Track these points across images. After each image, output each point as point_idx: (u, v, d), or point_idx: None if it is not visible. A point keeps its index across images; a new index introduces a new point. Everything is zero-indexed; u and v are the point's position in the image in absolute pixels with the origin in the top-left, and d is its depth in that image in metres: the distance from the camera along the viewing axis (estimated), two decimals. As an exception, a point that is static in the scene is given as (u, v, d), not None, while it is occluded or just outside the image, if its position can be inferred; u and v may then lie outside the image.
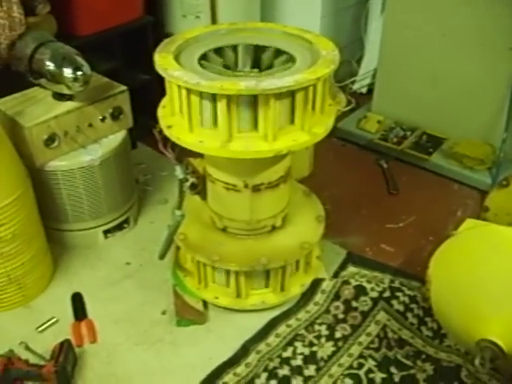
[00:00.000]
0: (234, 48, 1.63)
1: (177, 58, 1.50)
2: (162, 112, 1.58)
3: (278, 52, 1.59)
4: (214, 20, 2.51)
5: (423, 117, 2.58)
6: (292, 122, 1.46)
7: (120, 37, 2.34)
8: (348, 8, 2.97)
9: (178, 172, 1.59)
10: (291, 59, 1.54)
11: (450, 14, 2.33)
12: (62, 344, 1.62)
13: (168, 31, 2.56)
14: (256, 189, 1.62)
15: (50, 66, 1.79)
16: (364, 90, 3.01)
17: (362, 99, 2.91)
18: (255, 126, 1.43)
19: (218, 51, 1.61)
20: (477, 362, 1.42)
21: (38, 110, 1.85)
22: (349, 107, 2.71)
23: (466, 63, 2.37)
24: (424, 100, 2.55)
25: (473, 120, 2.44)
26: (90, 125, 1.91)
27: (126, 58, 2.43)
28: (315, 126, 1.49)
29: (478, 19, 2.26)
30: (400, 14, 2.49)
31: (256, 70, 1.61)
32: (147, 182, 2.39)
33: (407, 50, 2.52)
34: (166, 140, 1.56)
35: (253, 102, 1.39)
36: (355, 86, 3.02)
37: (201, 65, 1.51)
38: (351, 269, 1.95)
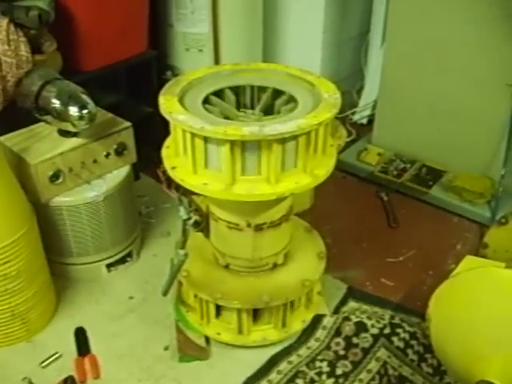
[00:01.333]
0: (238, 89, 1.67)
1: (181, 100, 1.53)
2: (166, 152, 1.61)
3: (281, 93, 1.62)
4: (216, 53, 2.55)
5: (423, 149, 2.61)
6: (294, 164, 1.49)
7: (124, 71, 2.39)
8: (349, 40, 3.02)
9: (182, 213, 1.61)
10: (293, 101, 1.57)
11: (449, 49, 2.37)
12: (65, 381, 1.65)
13: (171, 64, 2.61)
14: (258, 228, 1.64)
15: (56, 103, 1.81)
16: (364, 121, 3.04)
17: (362, 130, 2.95)
18: (258, 169, 1.46)
19: (222, 92, 1.64)
20: (476, 403, 1.43)
21: (43, 146, 1.87)
22: (349, 138, 2.75)
23: (465, 97, 2.41)
24: (423, 132, 2.58)
25: (472, 153, 2.47)
26: (95, 161, 1.93)
27: (130, 91, 2.47)
28: (317, 168, 1.52)
29: (478, 55, 2.30)
30: (400, 46, 2.53)
31: (258, 111, 1.64)
32: (150, 214, 2.41)
33: (407, 82, 2.56)
34: (169, 180, 1.59)
35: (256, 146, 1.42)
36: (356, 117, 3.06)
37: (205, 106, 1.54)
38: (352, 304, 1.97)
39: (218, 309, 1.80)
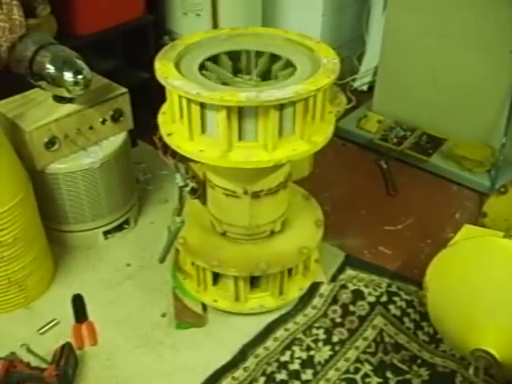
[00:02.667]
0: (235, 54, 1.63)
1: (177, 65, 1.50)
2: (162, 118, 1.58)
3: (279, 59, 1.59)
4: (214, 18, 2.50)
5: (423, 117, 2.58)
6: (292, 131, 1.47)
7: (121, 36, 2.35)
8: (350, 5, 2.96)
9: (179, 180, 1.60)
10: (292, 67, 1.54)
11: (451, 15, 2.33)
12: (63, 347, 1.64)
13: (169, 28, 2.57)
14: (256, 195, 1.63)
15: (51, 69, 1.79)
16: (365, 88, 3.00)
17: (362, 97, 2.91)
18: (255, 135, 1.44)
19: (219, 57, 1.61)
20: (471, 371, 1.44)
21: (38, 112, 1.85)
22: (349, 105, 2.71)
23: (467, 65, 2.37)
24: (424, 100, 2.55)
25: (473, 121, 2.44)
26: (91, 127, 1.91)
27: (127, 57, 2.43)
28: (315, 135, 1.50)
29: (480, 22, 2.26)
30: (401, 13, 2.49)
31: (256, 76, 1.61)
32: (147, 181, 2.39)
33: (408, 49, 2.52)
34: (166, 147, 1.57)
35: (253, 112, 1.40)
36: (356, 84, 3.02)
37: (201, 71, 1.51)
38: (349, 272, 1.97)
39: (215, 276, 1.80)
